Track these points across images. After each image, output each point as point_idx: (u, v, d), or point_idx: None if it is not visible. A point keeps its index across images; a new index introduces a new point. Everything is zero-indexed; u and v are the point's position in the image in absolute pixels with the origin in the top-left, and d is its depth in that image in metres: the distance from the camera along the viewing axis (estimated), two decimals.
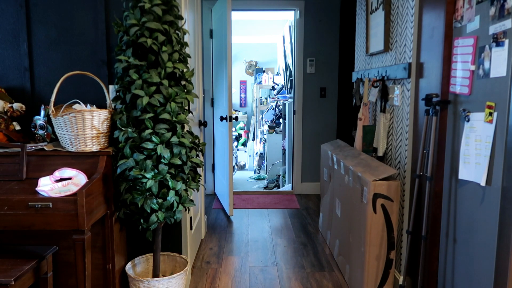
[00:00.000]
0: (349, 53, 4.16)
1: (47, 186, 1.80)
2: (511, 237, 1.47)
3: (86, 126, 1.93)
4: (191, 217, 2.80)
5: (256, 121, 7.21)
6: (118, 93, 2.06)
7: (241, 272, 2.82)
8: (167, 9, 1.99)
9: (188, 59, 2.35)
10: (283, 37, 6.01)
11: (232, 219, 3.96)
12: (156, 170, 1.94)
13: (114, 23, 1.99)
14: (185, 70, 2.07)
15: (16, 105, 2.17)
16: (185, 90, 2.06)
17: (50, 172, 1.93)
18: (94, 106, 2.16)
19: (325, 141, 4.76)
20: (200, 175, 2.30)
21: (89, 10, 2.26)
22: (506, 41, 1.49)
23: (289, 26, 5.38)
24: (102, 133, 2.00)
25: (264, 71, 7.71)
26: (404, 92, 2.36)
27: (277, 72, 7.63)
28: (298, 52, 4.68)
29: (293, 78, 4.85)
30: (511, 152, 1.47)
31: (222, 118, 3.94)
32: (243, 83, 8.28)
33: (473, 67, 1.70)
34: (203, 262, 2.98)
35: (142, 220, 2.01)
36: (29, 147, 2.00)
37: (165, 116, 1.94)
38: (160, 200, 1.96)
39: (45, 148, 2.02)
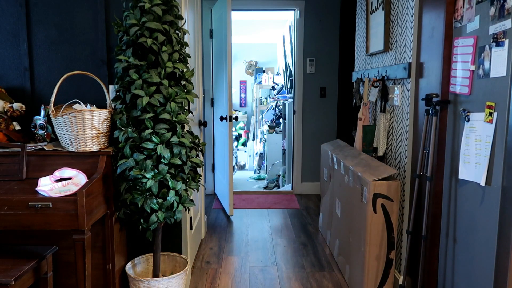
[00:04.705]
0: (349, 53, 4.16)
1: (47, 186, 1.80)
2: (511, 237, 1.47)
3: (86, 126, 1.93)
4: (191, 217, 2.80)
5: (256, 121, 7.21)
6: (118, 93, 2.06)
7: (241, 272, 2.82)
8: (167, 9, 1.99)
9: (188, 59, 2.35)
10: (283, 37, 6.01)
11: (232, 219, 3.96)
12: (156, 170, 1.94)
13: (114, 23, 1.99)
14: (185, 70, 2.07)
15: (16, 105, 2.17)
16: (185, 90, 2.06)
17: (50, 172, 1.93)
18: (94, 106, 2.16)
19: (325, 141, 4.76)
20: (200, 175, 2.30)
21: (89, 10, 2.26)
22: (506, 41, 1.49)
23: (289, 26, 5.38)
24: (102, 133, 2.00)
25: (264, 71, 7.71)
26: (404, 92, 2.36)
27: (277, 72, 7.63)
28: (298, 52, 4.68)
29: (293, 78, 4.85)
30: (511, 152, 1.47)
31: (222, 118, 3.94)
32: (243, 83, 8.28)
33: (473, 67, 1.70)
34: (203, 262, 2.98)
35: (142, 220, 2.01)
36: (29, 147, 2.00)
37: (165, 116, 1.94)
38: (160, 200, 1.96)
39: (45, 148, 2.02)
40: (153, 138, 1.93)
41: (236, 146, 7.82)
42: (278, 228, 3.70)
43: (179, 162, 1.97)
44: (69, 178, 1.89)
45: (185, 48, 2.19)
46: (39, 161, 1.98)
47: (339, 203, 2.86)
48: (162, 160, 1.94)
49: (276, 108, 6.35)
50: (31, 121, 2.16)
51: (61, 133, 1.96)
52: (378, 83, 2.69)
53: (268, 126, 6.07)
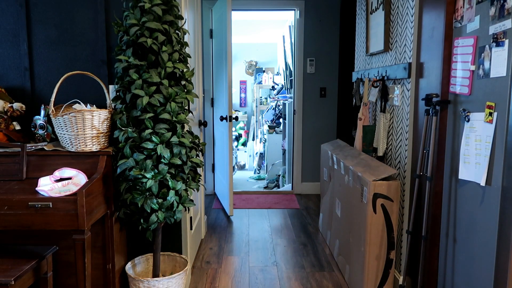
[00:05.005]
0: (349, 53, 4.16)
1: (47, 186, 1.80)
2: (511, 237, 1.47)
3: (86, 126, 1.93)
4: (191, 217, 2.80)
5: (256, 121, 7.21)
6: (118, 93, 2.06)
7: (241, 272, 2.82)
8: (167, 9, 1.99)
9: (188, 59, 2.35)
10: (283, 37, 6.01)
11: (232, 219, 3.96)
12: (156, 170, 1.94)
13: (114, 23, 1.99)
14: (185, 70, 2.07)
15: (16, 105, 2.17)
16: (185, 90, 2.06)
17: (50, 172, 1.93)
18: (94, 106, 2.16)
19: (325, 141, 4.76)
20: (200, 175, 2.30)
21: (89, 10, 2.26)
22: (506, 41, 1.49)
23: (289, 26, 5.38)
24: (102, 133, 2.00)
25: (264, 71, 7.71)
26: (404, 92, 2.36)
27: (277, 72, 7.63)
28: (298, 52, 4.68)
29: (293, 78, 4.85)
30: (511, 152, 1.47)
31: (222, 118, 3.94)
32: (243, 83, 8.28)
33: (473, 67, 1.70)
34: (203, 262, 2.98)
35: (142, 220, 2.01)
36: (29, 147, 2.00)
37: (165, 116, 1.94)
38: (160, 200, 1.96)
39: (45, 148, 2.02)
40: (153, 138, 1.93)
41: (236, 146, 7.82)
42: (278, 228, 3.70)
43: (179, 162, 1.97)
44: (69, 178, 1.89)
45: (185, 48, 2.19)
46: (39, 161, 1.98)
47: (339, 203, 2.86)
48: (162, 160, 1.94)
49: (276, 108, 6.35)
50: (31, 121, 2.16)
51: (61, 133, 1.96)
52: (378, 83, 2.69)
53: (268, 126, 6.07)
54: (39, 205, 1.70)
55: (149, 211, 1.94)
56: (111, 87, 2.29)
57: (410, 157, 2.30)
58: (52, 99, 1.94)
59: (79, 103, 2.08)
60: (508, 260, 1.48)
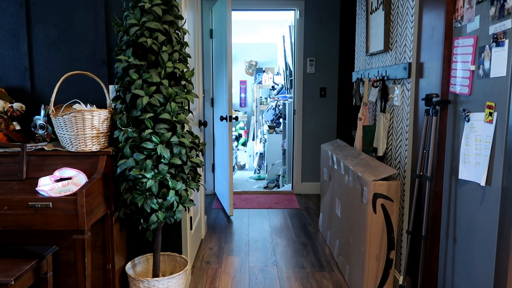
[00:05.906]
0: (349, 53, 4.16)
1: (47, 186, 1.80)
2: (511, 237, 1.47)
3: (86, 126, 1.93)
4: (191, 217, 2.80)
5: (256, 121, 7.21)
6: (118, 93, 2.06)
7: (241, 272, 2.82)
8: (167, 9, 1.99)
9: (188, 59, 2.35)
10: (283, 37, 6.01)
11: (232, 219, 3.96)
12: (156, 170, 1.94)
13: (114, 23, 1.99)
14: (185, 70, 2.07)
15: (16, 105, 2.17)
16: (185, 90, 2.06)
17: (50, 172, 1.93)
18: (94, 106, 2.16)
19: (325, 141, 4.76)
20: (200, 175, 2.30)
21: (89, 10, 2.26)
22: (506, 41, 1.49)
23: (289, 26, 5.38)
24: (102, 133, 2.00)
25: (264, 71, 7.71)
26: (404, 92, 2.36)
27: (277, 72, 7.63)
28: (298, 52, 4.68)
29: (293, 78, 4.85)
30: (511, 152, 1.47)
31: (222, 118, 3.94)
32: (243, 83, 8.28)
33: (473, 67, 1.70)
34: (203, 262, 2.98)
35: (142, 220, 2.01)
36: (29, 147, 2.00)
37: (165, 116, 1.94)
38: (160, 200, 1.96)
39: (45, 148, 2.02)
40: (153, 138, 1.93)
41: (236, 146, 7.82)
42: (278, 228, 3.70)
43: (179, 162, 1.97)
44: (69, 178, 1.89)
45: (185, 48, 2.19)
46: (39, 161, 1.98)
47: (339, 203, 2.86)
48: (162, 160, 1.94)
49: (276, 108, 6.35)
50: (31, 121, 2.16)
51: (61, 133, 1.97)
52: (378, 83, 2.69)
53: (268, 126, 6.07)
54: (39, 205, 1.70)
55: (149, 211, 1.94)
56: (111, 87, 2.29)
57: (410, 157, 2.30)
58: (52, 99, 1.94)
59: (79, 103, 2.08)
60: (508, 260, 1.48)
